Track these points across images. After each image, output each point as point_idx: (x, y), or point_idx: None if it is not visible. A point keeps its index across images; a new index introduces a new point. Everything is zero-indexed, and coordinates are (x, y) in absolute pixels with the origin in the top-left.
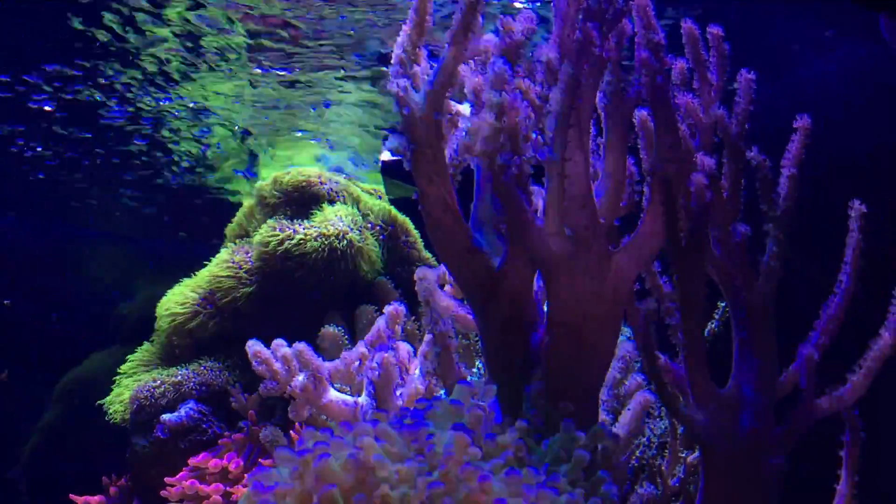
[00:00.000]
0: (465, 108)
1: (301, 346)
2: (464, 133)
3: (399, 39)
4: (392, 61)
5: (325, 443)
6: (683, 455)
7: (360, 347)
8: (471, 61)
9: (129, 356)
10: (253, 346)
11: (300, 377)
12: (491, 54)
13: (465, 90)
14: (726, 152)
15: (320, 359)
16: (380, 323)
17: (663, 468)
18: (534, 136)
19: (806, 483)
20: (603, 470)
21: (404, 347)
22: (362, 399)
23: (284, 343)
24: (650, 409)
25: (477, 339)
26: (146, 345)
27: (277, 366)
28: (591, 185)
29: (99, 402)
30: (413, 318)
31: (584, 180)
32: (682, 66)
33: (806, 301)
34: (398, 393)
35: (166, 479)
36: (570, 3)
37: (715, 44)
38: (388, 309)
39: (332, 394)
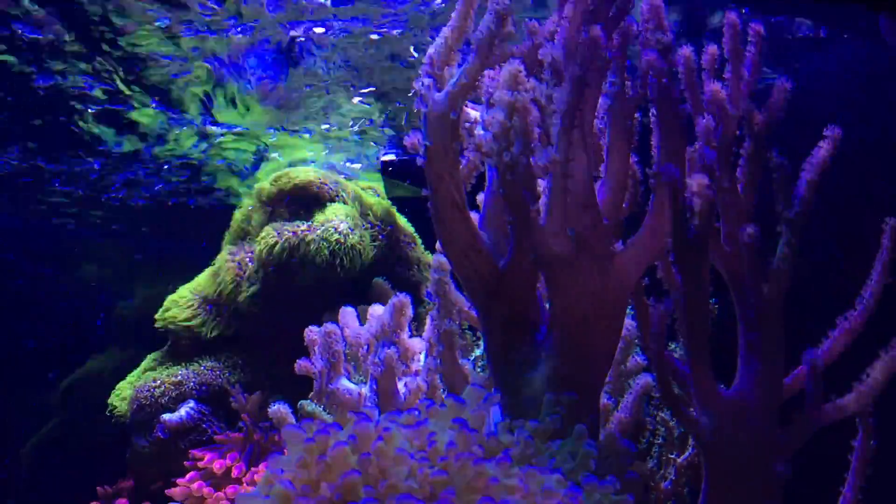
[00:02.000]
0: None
1: (332, 327)
2: (481, 130)
3: (436, 40)
4: (424, 59)
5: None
6: (673, 456)
7: (367, 334)
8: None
9: (140, 363)
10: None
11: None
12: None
13: (481, 88)
14: (748, 149)
15: (343, 345)
16: (384, 316)
17: (654, 469)
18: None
19: (806, 486)
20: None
21: (410, 342)
22: (365, 390)
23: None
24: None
25: (474, 338)
26: (153, 354)
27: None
28: (593, 185)
29: (102, 403)
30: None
31: (586, 181)
32: (714, 51)
33: (809, 303)
34: (401, 389)
35: (177, 482)
36: (575, 4)
37: (755, 40)
38: (393, 300)
39: (343, 382)
